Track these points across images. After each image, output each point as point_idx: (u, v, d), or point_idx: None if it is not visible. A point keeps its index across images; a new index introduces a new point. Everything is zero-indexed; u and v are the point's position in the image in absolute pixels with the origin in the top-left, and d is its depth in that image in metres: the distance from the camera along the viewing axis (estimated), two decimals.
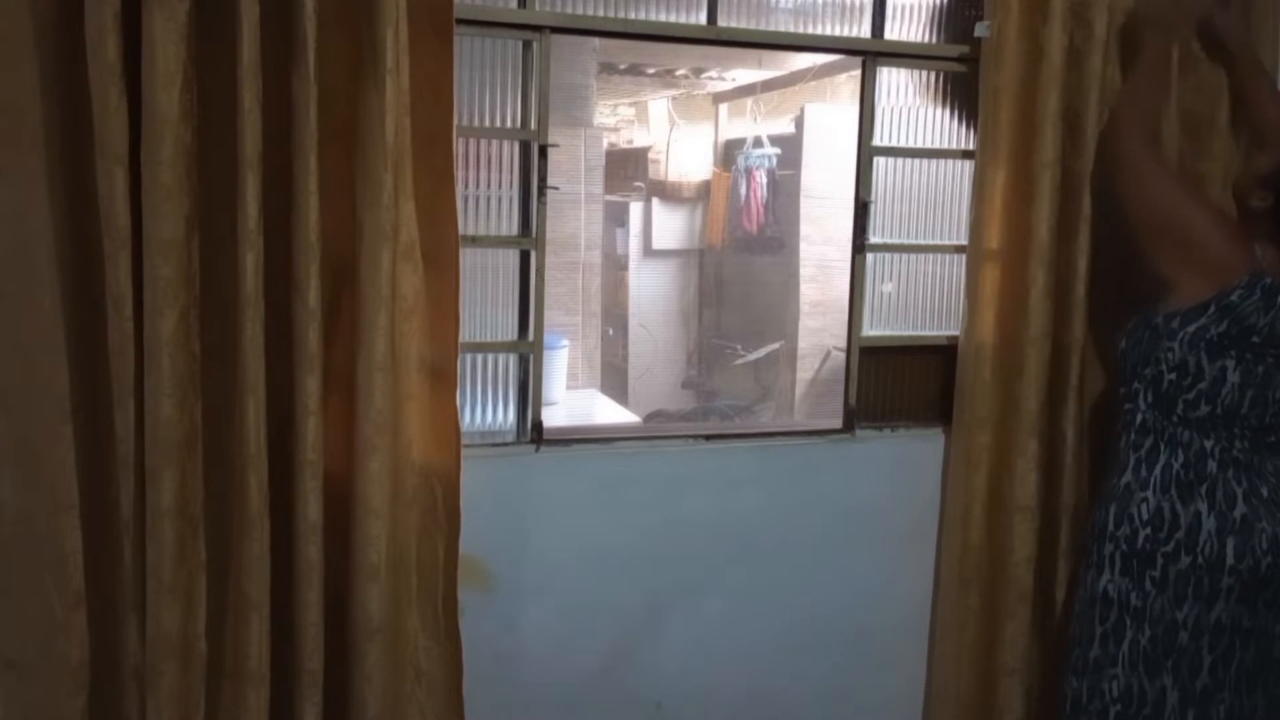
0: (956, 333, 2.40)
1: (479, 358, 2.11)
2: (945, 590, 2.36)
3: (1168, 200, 1.97)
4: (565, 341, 4.20)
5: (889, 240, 2.37)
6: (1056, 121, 2.15)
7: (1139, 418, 2.02)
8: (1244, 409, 1.94)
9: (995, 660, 2.32)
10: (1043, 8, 2.14)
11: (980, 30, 2.19)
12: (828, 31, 2.28)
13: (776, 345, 5.28)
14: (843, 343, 2.43)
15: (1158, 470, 1.98)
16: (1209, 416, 1.95)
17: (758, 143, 5.43)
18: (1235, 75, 2.24)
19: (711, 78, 5.58)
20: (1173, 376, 1.96)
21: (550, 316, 2.26)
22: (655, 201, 6.12)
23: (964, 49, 2.31)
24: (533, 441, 2.13)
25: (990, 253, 2.25)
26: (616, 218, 6.02)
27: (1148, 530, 1.96)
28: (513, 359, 2.13)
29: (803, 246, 4.98)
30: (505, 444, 2.13)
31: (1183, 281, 1.95)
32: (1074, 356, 2.24)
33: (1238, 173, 2.16)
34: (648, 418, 4.89)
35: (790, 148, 5.18)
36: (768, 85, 5.24)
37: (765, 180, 5.37)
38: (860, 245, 2.33)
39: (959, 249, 2.40)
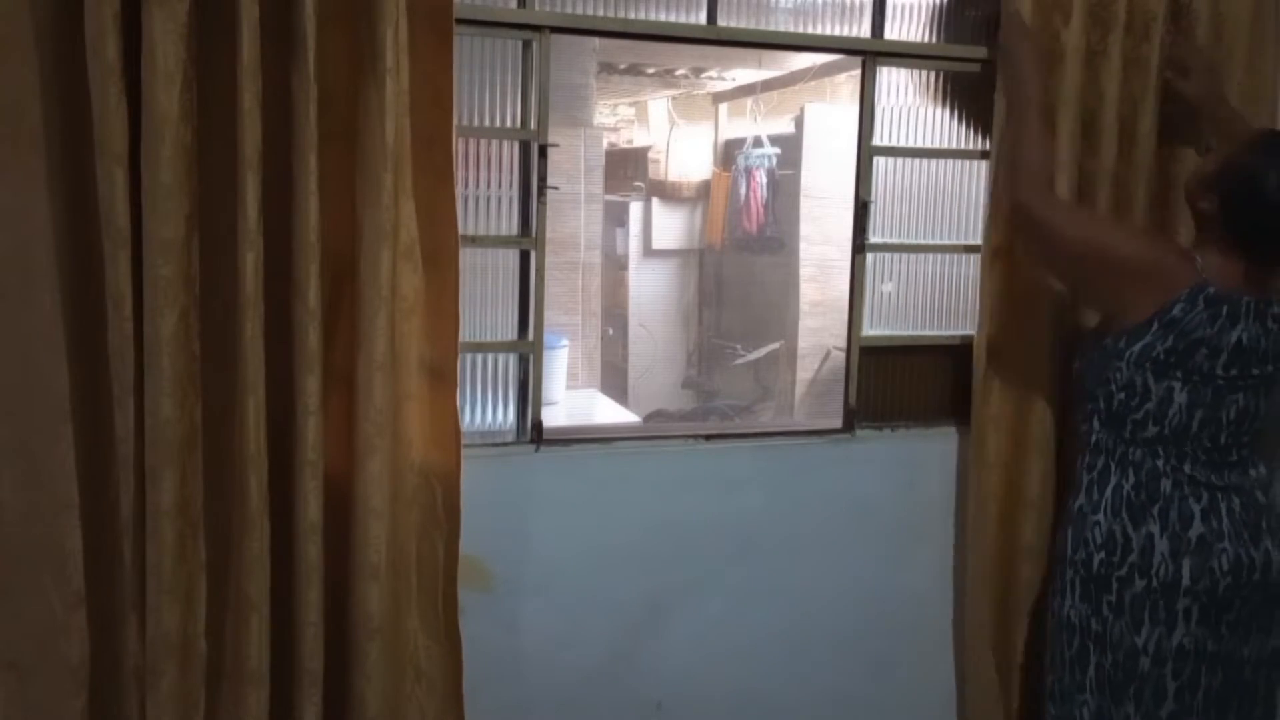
0: (957, 332, 2.40)
1: (479, 357, 2.11)
2: (970, 587, 2.34)
3: (1089, 233, 1.97)
4: (565, 341, 4.20)
5: (889, 240, 2.37)
6: (1074, 122, 2.15)
7: (1093, 438, 2.01)
8: (1194, 430, 1.92)
9: (1006, 657, 2.31)
10: (1064, 8, 2.14)
11: None
12: (828, 31, 2.28)
13: (776, 345, 5.27)
14: (843, 343, 2.43)
15: (1108, 492, 1.96)
16: (1158, 437, 1.93)
17: (758, 142, 5.42)
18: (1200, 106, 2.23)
19: (711, 78, 5.57)
20: (1122, 396, 1.95)
21: (550, 316, 2.26)
22: (655, 201, 6.11)
23: (966, 49, 2.31)
24: (532, 441, 2.13)
25: (1002, 251, 2.23)
26: (616, 218, 6.02)
27: (1101, 554, 1.94)
28: (512, 359, 2.13)
29: (803, 246, 4.98)
30: (505, 444, 2.13)
31: (1127, 306, 1.93)
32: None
33: (1188, 175, 2.14)
34: (648, 418, 4.89)
35: (790, 148, 5.17)
36: (768, 85, 5.23)
37: (765, 180, 5.36)
38: (860, 245, 2.33)
39: (959, 249, 2.40)
